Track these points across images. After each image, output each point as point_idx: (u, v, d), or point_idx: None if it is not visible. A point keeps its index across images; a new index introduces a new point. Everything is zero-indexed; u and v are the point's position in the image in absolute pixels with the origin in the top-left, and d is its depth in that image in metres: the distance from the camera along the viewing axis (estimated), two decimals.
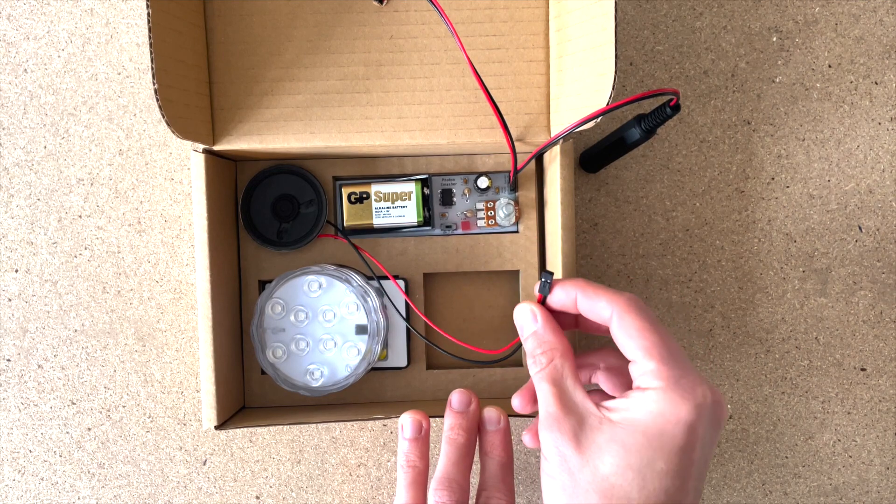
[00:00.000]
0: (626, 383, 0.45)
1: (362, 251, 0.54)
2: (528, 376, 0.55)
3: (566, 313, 0.44)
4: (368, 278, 0.54)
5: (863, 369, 0.59)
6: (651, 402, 0.38)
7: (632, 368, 0.40)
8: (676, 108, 0.46)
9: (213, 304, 0.49)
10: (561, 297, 0.43)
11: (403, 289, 0.55)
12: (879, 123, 0.58)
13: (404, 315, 0.54)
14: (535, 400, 0.45)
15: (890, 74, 0.58)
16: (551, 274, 0.44)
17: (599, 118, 0.43)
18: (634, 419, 0.38)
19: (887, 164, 0.59)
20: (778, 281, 0.59)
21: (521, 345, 0.54)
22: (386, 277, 0.54)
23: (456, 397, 0.48)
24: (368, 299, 0.52)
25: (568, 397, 0.40)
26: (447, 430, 0.47)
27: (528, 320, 0.44)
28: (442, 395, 0.55)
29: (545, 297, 0.44)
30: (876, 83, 0.58)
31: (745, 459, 0.60)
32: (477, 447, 0.48)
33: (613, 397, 0.41)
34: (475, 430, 0.48)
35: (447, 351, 0.53)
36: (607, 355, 0.47)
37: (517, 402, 0.46)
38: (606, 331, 0.42)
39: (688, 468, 0.38)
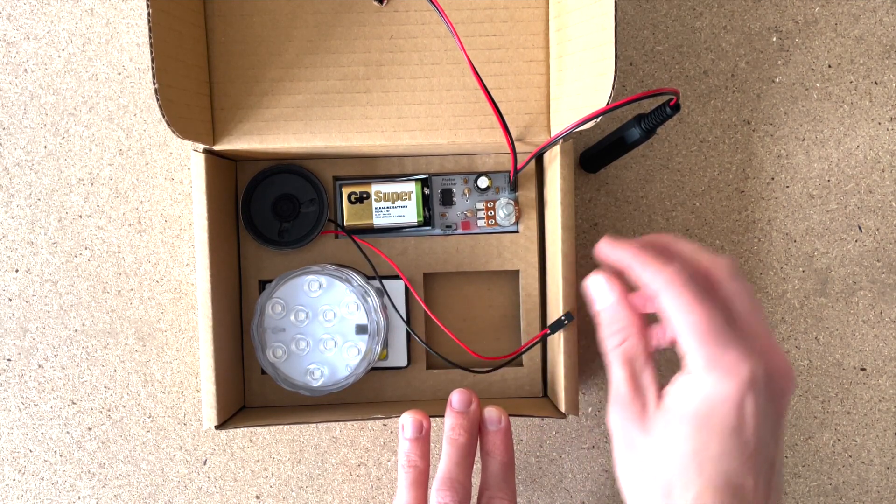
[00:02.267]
0: None
1: (366, 244, 0.54)
2: (528, 376, 0.56)
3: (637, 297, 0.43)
4: (370, 278, 0.54)
5: (863, 369, 0.59)
6: (697, 384, 0.37)
7: (678, 347, 0.39)
8: (676, 108, 0.46)
9: (213, 303, 0.49)
10: (605, 251, 0.41)
11: (404, 289, 0.55)
12: (879, 123, 0.59)
13: (404, 318, 0.54)
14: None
15: (890, 74, 0.58)
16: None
17: (599, 118, 0.43)
18: (682, 406, 0.37)
19: (887, 164, 0.59)
20: (778, 281, 0.59)
21: (524, 352, 0.54)
22: (389, 275, 0.54)
23: (456, 397, 0.48)
24: (368, 299, 0.52)
25: (639, 377, 0.40)
26: (448, 431, 0.47)
27: (602, 293, 0.42)
28: (442, 394, 0.55)
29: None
30: (876, 83, 0.59)
31: None
32: (478, 447, 0.48)
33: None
34: (476, 429, 0.48)
35: (447, 359, 0.53)
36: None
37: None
38: None
39: (744, 448, 0.36)
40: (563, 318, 0.50)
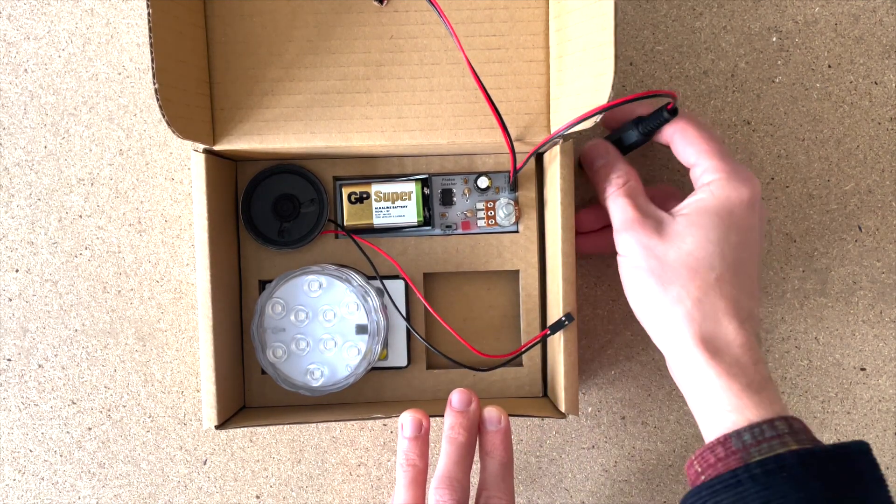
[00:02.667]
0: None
1: (367, 243, 0.54)
2: (528, 376, 0.56)
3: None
4: (370, 278, 0.54)
5: (862, 369, 0.59)
6: (717, 188, 0.45)
7: (694, 171, 0.47)
8: (674, 112, 0.47)
9: (213, 303, 0.49)
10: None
11: (404, 288, 0.55)
12: (879, 123, 0.59)
13: (404, 315, 0.54)
14: (600, 217, 0.53)
15: (890, 74, 0.58)
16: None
17: (598, 116, 0.43)
18: (706, 205, 0.45)
19: (887, 164, 0.59)
20: (778, 281, 0.59)
21: (524, 352, 0.54)
22: (389, 275, 0.54)
23: (456, 397, 0.48)
24: (368, 299, 0.52)
25: (644, 206, 0.47)
26: (448, 430, 0.47)
27: (600, 152, 0.50)
28: (442, 394, 0.55)
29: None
30: (876, 83, 0.59)
31: None
32: (477, 447, 0.48)
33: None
34: (475, 429, 0.48)
35: (447, 356, 0.53)
36: (664, 188, 0.54)
37: (584, 217, 0.54)
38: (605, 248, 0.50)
39: (754, 242, 0.46)
40: (563, 318, 0.50)
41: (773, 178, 0.59)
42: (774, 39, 0.58)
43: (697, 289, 0.44)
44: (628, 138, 0.50)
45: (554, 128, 0.50)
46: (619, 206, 0.47)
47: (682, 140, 0.47)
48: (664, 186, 0.54)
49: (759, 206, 0.46)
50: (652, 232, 0.45)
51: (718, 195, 0.45)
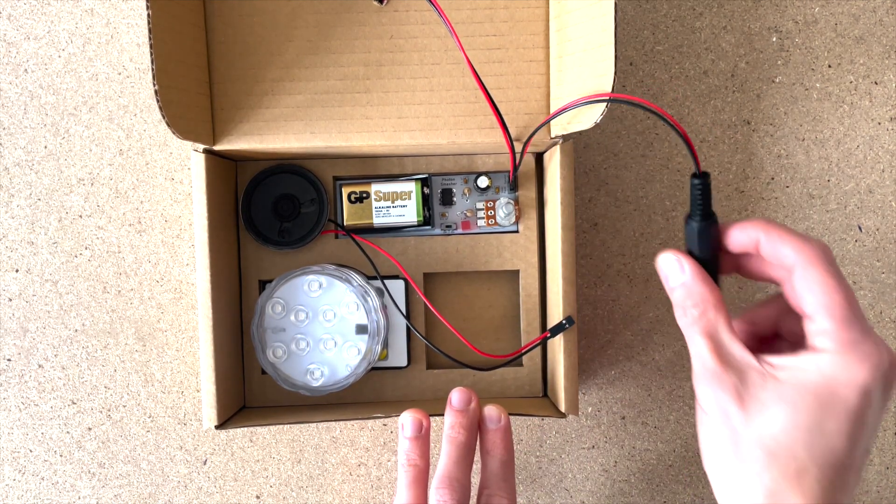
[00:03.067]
0: (792, 343, 0.43)
1: (367, 242, 0.54)
2: (528, 376, 0.56)
3: (727, 255, 0.41)
4: (370, 278, 0.54)
5: None
6: (826, 363, 0.36)
7: (807, 325, 0.38)
8: (703, 176, 0.40)
9: (213, 303, 0.49)
10: (741, 239, 0.40)
11: (404, 288, 0.55)
12: (879, 123, 0.59)
13: (404, 312, 0.54)
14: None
15: (890, 74, 0.58)
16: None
17: (600, 114, 0.43)
18: (805, 379, 0.37)
19: (887, 164, 0.59)
20: None
21: (524, 353, 0.54)
22: (388, 275, 0.54)
23: (456, 396, 0.48)
24: (368, 299, 0.52)
25: (726, 351, 0.38)
26: (447, 429, 0.47)
27: (674, 270, 0.41)
28: (442, 394, 0.55)
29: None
30: (876, 83, 0.59)
31: None
32: (478, 446, 0.48)
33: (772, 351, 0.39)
34: (476, 428, 0.48)
35: (448, 355, 0.53)
36: (767, 310, 0.44)
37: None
38: (771, 278, 0.40)
39: (858, 430, 0.37)
40: (564, 322, 0.50)
41: (773, 178, 0.59)
42: (774, 39, 0.58)
43: (773, 480, 0.37)
44: (691, 232, 0.41)
45: (554, 127, 0.50)
46: (695, 347, 0.39)
47: (804, 280, 0.37)
48: (765, 306, 0.43)
49: (883, 391, 0.37)
50: (732, 391, 0.38)
51: (825, 372, 0.36)
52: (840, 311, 0.37)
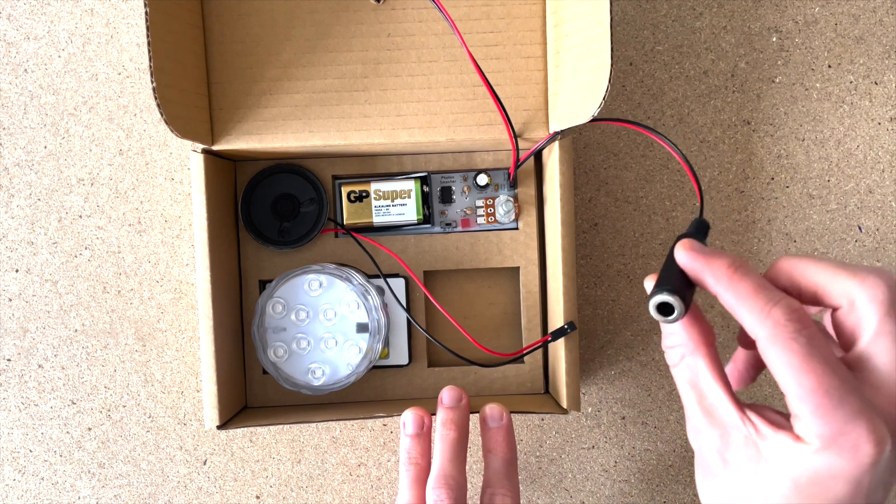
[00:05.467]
0: None
1: (368, 240, 0.54)
2: (530, 373, 0.56)
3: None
4: (372, 276, 0.54)
5: None
6: (805, 457, 0.32)
7: (788, 404, 0.33)
8: (698, 226, 0.39)
9: (213, 303, 0.49)
10: (711, 287, 0.36)
11: (404, 286, 0.55)
12: (879, 123, 0.58)
13: (405, 308, 0.54)
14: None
15: (890, 74, 0.58)
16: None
17: (595, 110, 0.43)
18: (784, 465, 0.33)
19: (887, 164, 0.59)
20: None
21: (524, 354, 0.54)
22: (388, 273, 0.54)
23: (447, 394, 0.48)
24: (369, 297, 0.52)
25: (708, 403, 0.35)
26: (439, 427, 0.47)
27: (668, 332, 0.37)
28: None
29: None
30: (876, 83, 0.59)
31: None
32: (480, 445, 0.48)
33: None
34: (467, 424, 0.48)
35: (451, 350, 0.53)
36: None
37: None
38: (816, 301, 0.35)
39: None
40: (565, 326, 0.50)
41: (773, 178, 0.59)
42: (774, 39, 0.58)
43: None
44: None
45: (552, 123, 0.50)
46: (682, 392, 0.36)
47: (773, 355, 0.32)
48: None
49: (884, 466, 0.32)
50: (714, 451, 0.35)
51: (804, 465, 0.32)
52: (814, 395, 0.31)
